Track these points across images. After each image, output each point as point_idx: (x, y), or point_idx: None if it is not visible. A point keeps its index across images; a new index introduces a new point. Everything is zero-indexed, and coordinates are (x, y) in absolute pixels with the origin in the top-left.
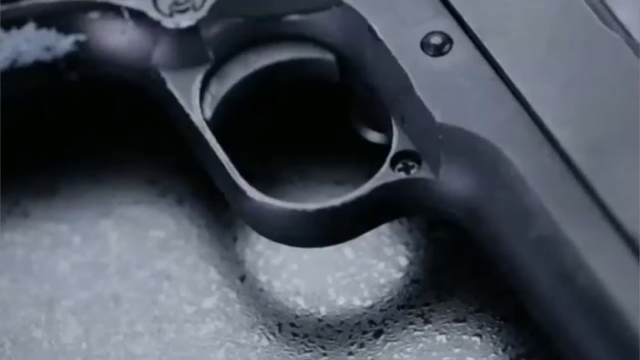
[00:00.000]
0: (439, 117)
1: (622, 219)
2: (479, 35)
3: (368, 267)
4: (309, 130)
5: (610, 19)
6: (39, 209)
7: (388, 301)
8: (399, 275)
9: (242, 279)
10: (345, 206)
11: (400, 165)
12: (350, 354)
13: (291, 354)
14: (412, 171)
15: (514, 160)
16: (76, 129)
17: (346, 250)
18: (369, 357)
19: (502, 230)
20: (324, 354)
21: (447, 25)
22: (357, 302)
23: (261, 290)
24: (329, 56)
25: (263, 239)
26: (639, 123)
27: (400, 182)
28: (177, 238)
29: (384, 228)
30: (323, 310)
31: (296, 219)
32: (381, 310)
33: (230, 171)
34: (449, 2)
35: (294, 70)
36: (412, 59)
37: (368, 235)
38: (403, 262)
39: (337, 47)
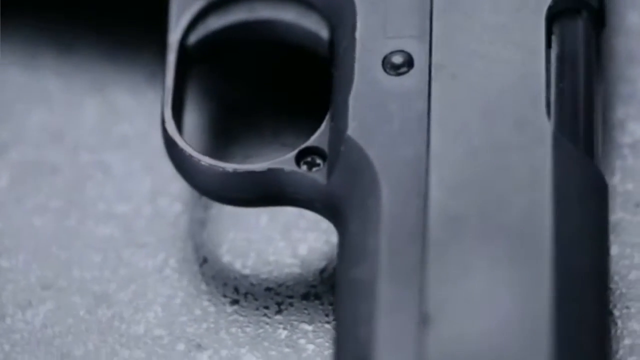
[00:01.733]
0: (350, 130)
1: (429, 299)
2: (433, 72)
3: None
4: (281, 92)
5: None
6: None
7: None
8: None
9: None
10: (238, 174)
11: (308, 159)
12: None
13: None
14: (314, 169)
15: (383, 200)
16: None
17: None
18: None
19: (343, 253)
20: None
21: (418, 49)
22: None
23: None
24: (324, 33)
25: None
26: (504, 222)
27: (294, 173)
28: None
29: None
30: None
31: (210, 175)
32: None
33: (165, 100)
34: (431, 29)
35: (292, 32)
36: (368, 67)
37: None
38: None
39: (333, 29)
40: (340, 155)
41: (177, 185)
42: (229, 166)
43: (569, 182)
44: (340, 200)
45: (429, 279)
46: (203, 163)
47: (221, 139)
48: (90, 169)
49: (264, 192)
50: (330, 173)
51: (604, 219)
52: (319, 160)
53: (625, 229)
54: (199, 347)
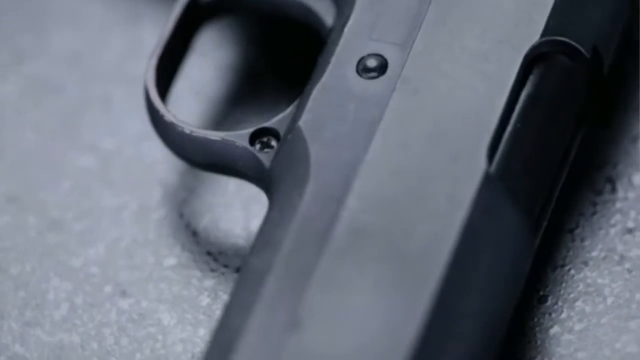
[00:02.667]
0: (302, 121)
1: (305, 305)
2: (398, 84)
3: None
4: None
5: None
6: None
7: None
8: None
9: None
10: (193, 137)
11: (264, 139)
12: None
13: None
14: (265, 150)
15: (305, 197)
16: None
17: None
18: None
19: (256, 238)
20: None
21: (395, 57)
22: None
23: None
24: (329, 20)
25: None
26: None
27: (244, 149)
28: None
29: None
30: None
31: (170, 131)
32: None
33: (155, 49)
34: (414, 40)
35: (301, 12)
36: (343, 63)
37: None
38: None
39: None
40: (286, 142)
41: None
42: (187, 127)
43: (484, 227)
44: (274, 186)
45: (313, 285)
46: (165, 118)
47: (219, 102)
48: (94, 98)
49: (215, 159)
50: (275, 156)
51: (516, 273)
52: (273, 143)
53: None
54: (123, 293)
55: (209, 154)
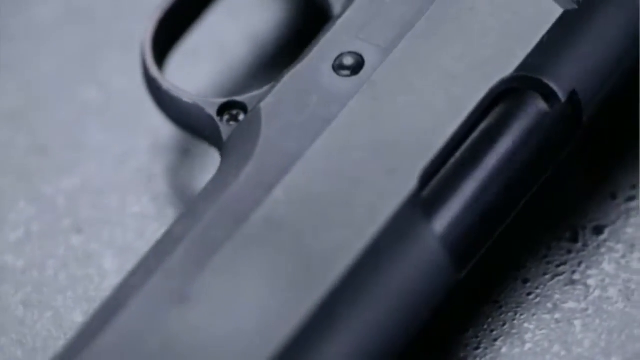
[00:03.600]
0: (264, 102)
1: (197, 282)
2: (364, 86)
3: None
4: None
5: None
6: None
7: None
8: None
9: None
10: (169, 95)
11: (233, 112)
12: None
13: None
14: (231, 123)
15: (241, 177)
16: None
17: None
18: None
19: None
20: None
21: (374, 61)
22: None
23: None
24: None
25: None
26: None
27: (210, 117)
28: None
29: None
30: None
31: (153, 85)
32: None
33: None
34: (395, 47)
35: None
36: (322, 55)
37: None
38: None
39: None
40: (245, 120)
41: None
42: (165, 85)
43: (396, 247)
44: (223, 159)
45: (213, 264)
46: (150, 72)
47: (234, 66)
48: (116, 36)
49: (185, 121)
50: (232, 132)
51: (422, 302)
52: (241, 117)
53: None
54: (78, 230)
55: (181, 114)
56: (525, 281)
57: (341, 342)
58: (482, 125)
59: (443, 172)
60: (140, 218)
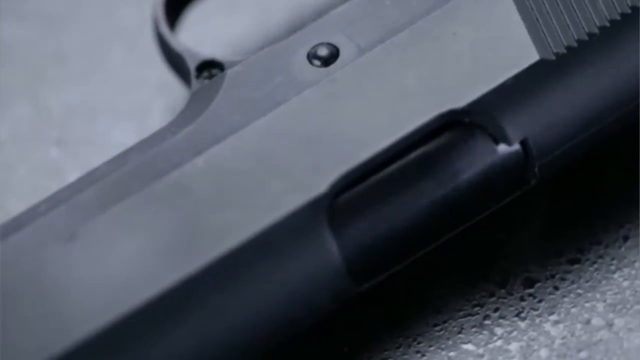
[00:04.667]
0: (232, 69)
1: (88, 223)
2: (323, 82)
3: None
4: None
5: None
6: None
7: None
8: None
9: None
10: (164, 41)
11: (213, 70)
12: None
13: None
14: (205, 81)
15: (177, 136)
16: None
17: None
18: None
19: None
20: None
21: (347, 57)
22: None
23: None
24: None
25: None
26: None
27: (187, 69)
28: None
29: None
30: None
31: (155, 28)
32: None
33: None
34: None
35: None
36: (304, 39)
37: None
38: None
39: None
40: (210, 82)
41: None
42: (162, 31)
43: (289, 244)
44: (179, 114)
45: (111, 211)
46: (156, 13)
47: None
48: None
49: (175, 65)
50: (197, 89)
51: (304, 305)
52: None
53: None
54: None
55: (172, 59)
56: (438, 311)
57: (203, 320)
58: (420, 150)
59: (365, 185)
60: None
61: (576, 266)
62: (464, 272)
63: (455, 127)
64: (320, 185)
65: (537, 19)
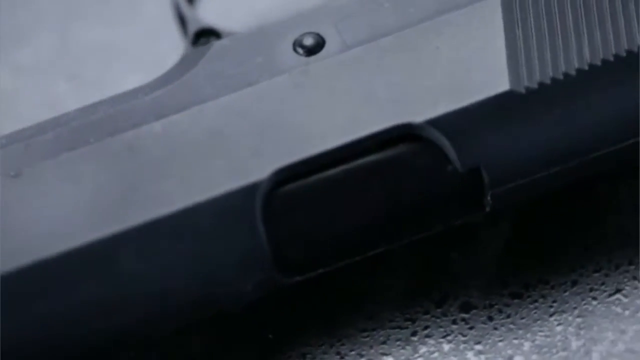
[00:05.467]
0: (218, 42)
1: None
2: (295, 72)
3: None
4: None
5: None
6: None
7: None
8: None
9: None
10: (177, 5)
11: (212, 37)
12: None
13: None
14: (200, 47)
15: (147, 97)
16: None
17: None
18: None
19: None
20: None
21: (330, 51)
22: None
23: None
24: None
25: None
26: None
27: (185, 33)
28: None
29: None
30: None
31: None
32: None
33: None
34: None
35: None
36: (293, 25)
37: None
38: None
39: None
40: (196, 49)
41: None
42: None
43: (216, 224)
44: (163, 74)
45: (61, 158)
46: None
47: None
48: None
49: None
50: (186, 53)
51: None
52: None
53: None
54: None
55: (181, 20)
56: (370, 318)
57: (117, 282)
58: (370, 157)
59: (309, 180)
60: None
61: (516, 301)
62: (407, 284)
63: (412, 140)
64: (262, 172)
65: (520, 49)
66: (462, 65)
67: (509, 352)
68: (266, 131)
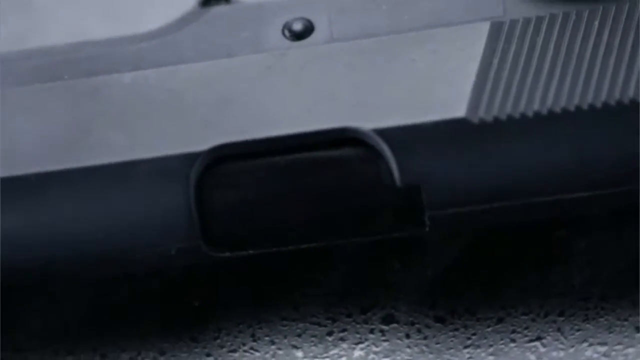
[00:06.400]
0: (215, 9)
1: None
2: (271, 54)
3: None
4: None
5: None
6: None
7: None
8: None
9: None
10: None
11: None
12: None
13: None
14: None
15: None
16: None
17: None
18: None
19: None
20: None
21: (314, 40)
22: None
23: None
24: None
25: None
26: None
27: None
28: None
29: None
30: None
31: None
32: None
33: None
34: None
35: None
36: (288, 6)
37: None
38: None
39: None
40: (198, 9)
41: None
42: None
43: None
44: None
45: (30, 86)
46: None
47: None
48: None
49: None
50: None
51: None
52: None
53: None
54: None
55: None
56: (295, 309)
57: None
58: (313, 153)
59: (249, 162)
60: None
61: (438, 325)
62: (341, 283)
63: (358, 146)
64: (204, 144)
65: (489, 79)
66: (430, 83)
67: None
68: (224, 105)
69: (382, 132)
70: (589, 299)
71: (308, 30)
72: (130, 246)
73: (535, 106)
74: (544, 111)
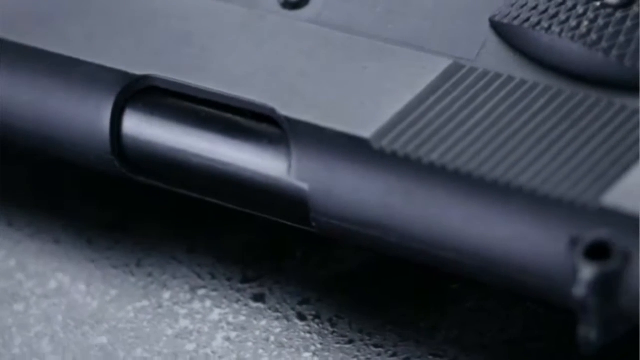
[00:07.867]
0: None
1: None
2: (256, 13)
3: None
4: None
5: None
6: None
7: None
8: None
9: None
10: None
11: None
12: None
13: None
14: None
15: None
16: None
17: None
18: None
19: None
20: None
21: (306, 15)
22: None
23: None
24: None
25: None
26: None
27: None
28: None
29: None
30: None
31: None
32: None
33: None
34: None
35: None
36: None
37: None
38: None
39: None
40: None
41: None
42: None
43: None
44: None
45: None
46: None
47: None
48: None
49: None
50: None
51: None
52: None
53: None
54: None
55: None
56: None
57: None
58: (235, 118)
59: (174, 103)
60: None
61: (296, 321)
62: (240, 253)
63: (274, 126)
64: (142, 69)
65: (413, 113)
66: (363, 94)
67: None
68: (183, 42)
69: (294, 123)
70: None
71: (302, 3)
72: (57, 138)
73: (434, 157)
74: (438, 164)
